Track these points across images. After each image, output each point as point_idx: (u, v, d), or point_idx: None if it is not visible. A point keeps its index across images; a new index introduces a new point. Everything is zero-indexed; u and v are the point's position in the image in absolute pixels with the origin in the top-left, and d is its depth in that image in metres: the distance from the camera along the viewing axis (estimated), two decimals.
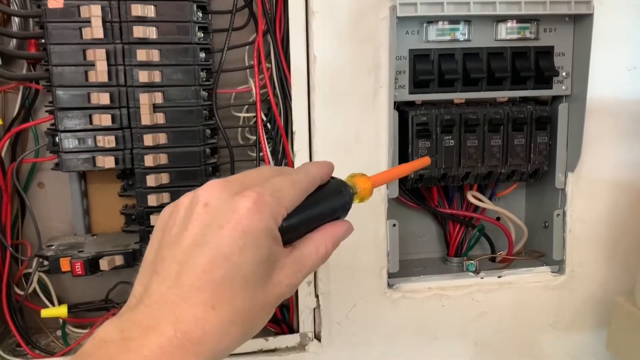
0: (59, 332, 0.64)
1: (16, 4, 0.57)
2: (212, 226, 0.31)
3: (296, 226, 0.35)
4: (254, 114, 0.62)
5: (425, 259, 0.68)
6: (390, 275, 0.60)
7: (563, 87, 0.59)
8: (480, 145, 0.59)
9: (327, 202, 0.37)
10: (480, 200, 0.64)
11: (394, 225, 0.59)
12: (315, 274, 0.58)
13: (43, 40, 0.53)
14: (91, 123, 0.54)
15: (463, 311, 0.61)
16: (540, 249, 0.64)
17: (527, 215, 0.68)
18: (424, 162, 0.47)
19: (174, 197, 0.57)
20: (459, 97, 0.58)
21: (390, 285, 0.60)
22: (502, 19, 0.57)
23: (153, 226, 0.55)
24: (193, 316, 0.30)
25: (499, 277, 0.62)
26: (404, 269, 0.62)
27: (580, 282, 0.62)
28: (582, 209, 0.61)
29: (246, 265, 0.31)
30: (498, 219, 0.66)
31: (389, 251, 0.59)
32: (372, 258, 0.59)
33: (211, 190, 0.33)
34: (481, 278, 0.62)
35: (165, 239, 0.33)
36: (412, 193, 0.64)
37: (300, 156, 0.56)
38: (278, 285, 0.34)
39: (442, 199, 0.65)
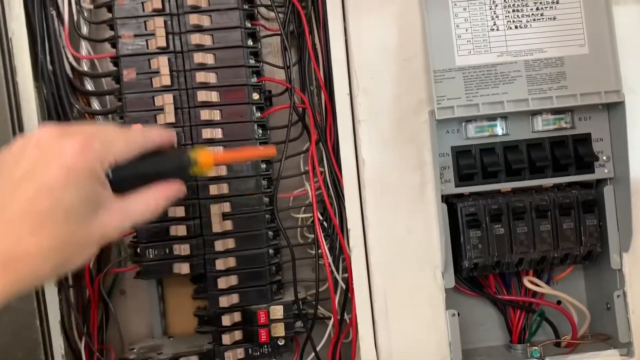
0: None
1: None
2: (41, 162, 0.36)
3: (126, 177, 0.39)
4: (311, 215, 0.67)
5: (488, 347, 0.67)
6: None
7: (605, 171, 0.61)
8: (530, 232, 0.61)
9: (162, 163, 0.42)
10: (537, 285, 0.64)
11: (454, 315, 0.61)
12: None
13: None
14: (168, 234, 0.60)
15: None
16: (605, 332, 0.63)
17: (588, 298, 0.67)
18: (269, 150, 0.52)
19: (243, 298, 0.61)
20: (503, 187, 0.61)
21: None
22: (537, 112, 0.61)
23: (225, 326, 0.60)
24: (15, 238, 0.34)
25: None
26: (467, 358, 0.62)
27: None
28: None
29: (68, 200, 0.35)
30: (559, 302, 0.66)
31: (450, 341, 0.60)
32: (434, 349, 0.60)
33: (44, 131, 0.37)
34: None
35: (1, 174, 0.37)
36: (469, 281, 0.66)
37: (356, 251, 0.60)
38: (102, 226, 0.38)
39: (500, 285, 0.66)
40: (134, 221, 0.41)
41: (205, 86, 0.59)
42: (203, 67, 0.59)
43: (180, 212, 0.59)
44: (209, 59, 0.58)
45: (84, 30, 0.65)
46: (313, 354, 0.64)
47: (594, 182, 0.63)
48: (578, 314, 0.64)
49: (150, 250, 0.60)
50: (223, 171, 0.60)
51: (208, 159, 0.44)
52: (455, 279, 0.62)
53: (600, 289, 0.65)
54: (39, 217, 0.35)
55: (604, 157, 0.61)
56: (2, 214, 0.35)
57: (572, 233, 0.61)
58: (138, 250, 0.61)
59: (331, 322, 0.65)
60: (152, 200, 0.41)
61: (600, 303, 0.64)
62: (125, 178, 0.40)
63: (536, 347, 0.62)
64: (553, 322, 0.65)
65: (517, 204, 0.61)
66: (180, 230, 0.59)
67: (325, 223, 0.66)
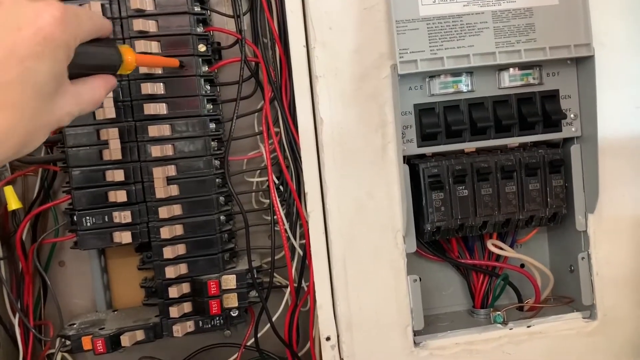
0: None
1: None
2: (7, 26, 0.30)
3: (85, 58, 0.36)
4: (266, 178, 0.63)
5: (450, 313, 0.66)
6: (416, 333, 0.58)
7: (573, 129, 0.59)
8: (494, 193, 0.59)
9: (108, 54, 0.39)
10: (501, 248, 0.63)
11: (415, 280, 0.58)
12: (338, 337, 0.57)
13: None
14: (107, 200, 0.55)
15: None
16: (568, 295, 0.62)
17: (551, 260, 0.66)
18: (173, 61, 0.51)
19: (192, 267, 0.57)
20: (467, 146, 0.58)
21: (416, 344, 0.58)
22: (504, 67, 0.57)
23: (172, 298, 0.56)
24: None
25: (529, 326, 0.60)
26: (430, 325, 0.60)
27: (614, 326, 0.59)
28: (607, 250, 0.59)
29: (41, 74, 0.31)
30: (522, 266, 0.64)
31: (412, 308, 0.58)
32: (396, 316, 0.57)
33: None
34: (510, 329, 0.59)
35: None
36: (431, 245, 0.63)
37: (314, 216, 0.56)
38: (59, 109, 0.33)
39: (463, 249, 0.64)
40: (82, 108, 0.37)
41: (145, 35, 0.53)
42: (142, 13, 0.53)
43: (119, 175, 0.54)
44: (147, 4, 0.52)
45: None
46: (269, 324, 0.61)
47: (561, 141, 0.61)
48: (541, 277, 0.63)
49: (88, 218, 0.55)
50: (167, 131, 0.54)
51: (132, 59, 0.42)
52: (417, 244, 0.59)
53: (564, 251, 0.63)
54: (5, 90, 0.30)
55: (572, 115, 0.59)
56: None
57: (538, 194, 0.59)
58: (75, 218, 0.55)
59: (288, 290, 0.62)
60: (97, 88, 0.38)
61: (564, 266, 0.63)
62: (84, 58, 0.36)
63: (499, 312, 0.61)
64: (516, 286, 0.64)
65: (481, 165, 0.58)
66: (120, 195, 0.54)
67: (281, 187, 0.62)
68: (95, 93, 0.37)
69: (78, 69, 0.36)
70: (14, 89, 0.30)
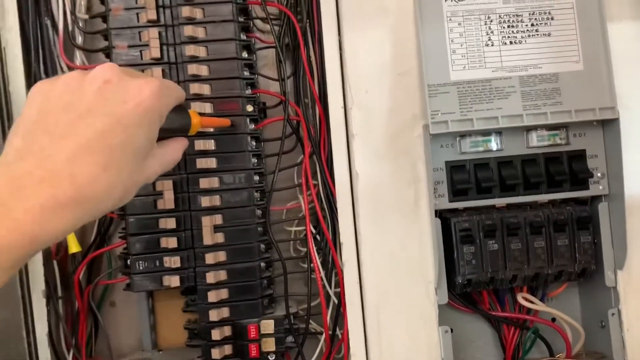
0: None
1: None
2: (115, 100, 0.35)
3: (169, 123, 0.41)
4: (303, 228, 0.66)
5: None
6: None
7: (600, 187, 0.61)
8: (524, 248, 0.60)
9: (183, 118, 0.45)
10: (532, 302, 0.64)
11: (447, 331, 0.60)
12: None
13: None
14: (159, 246, 0.59)
15: None
16: (599, 350, 0.63)
17: (582, 315, 0.67)
18: (226, 122, 0.56)
19: (233, 311, 0.60)
20: (497, 202, 0.61)
21: None
22: (532, 128, 0.60)
23: (215, 340, 0.59)
24: (88, 174, 0.33)
25: None
26: None
27: None
28: (637, 306, 0.60)
29: (139, 139, 0.35)
30: (553, 320, 0.65)
31: (443, 358, 0.59)
32: None
33: (112, 70, 0.36)
34: None
35: (53, 104, 0.35)
36: (462, 297, 0.65)
37: (348, 266, 0.59)
38: (149, 169, 0.38)
39: (494, 301, 0.66)
40: (165, 168, 0.43)
41: (199, 97, 0.58)
42: (197, 78, 0.59)
43: (171, 224, 0.58)
44: (203, 70, 0.58)
45: (79, 39, 0.64)
46: None
47: (589, 198, 0.63)
48: (572, 331, 0.64)
49: (141, 262, 0.59)
50: (215, 184, 0.59)
51: (198, 122, 0.48)
52: (449, 295, 0.61)
53: (594, 306, 0.64)
54: (110, 153, 0.34)
55: (599, 174, 0.61)
56: (70, 146, 0.33)
57: (567, 250, 0.61)
58: (128, 262, 0.60)
59: (323, 337, 0.64)
60: (176, 150, 0.44)
61: (595, 321, 0.64)
62: (164, 127, 0.41)
63: None
64: (547, 339, 0.65)
65: (511, 220, 0.60)
66: (171, 242, 0.59)
67: (317, 237, 0.66)
68: (175, 153, 0.44)
69: (163, 133, 0.41)
70: (118, 152, 0.35)
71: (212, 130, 0.58)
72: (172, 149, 0.43)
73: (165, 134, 0.43)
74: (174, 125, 0.43)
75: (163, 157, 0.42)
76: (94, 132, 0.34)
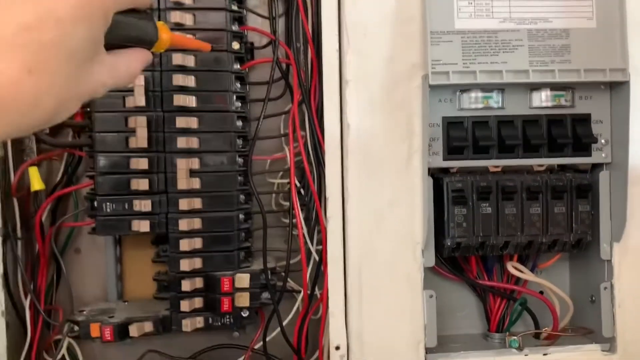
0: None
1: None
2: None
3: (122, 27, 0.34)
4: (287, 181, 0.62)
5: (464, 335, 0.64)
6: (428, 351, 0.57)
7: (603, 155, 0.58)
8: (518, 213, 0.57)
9: (145, 27, 0.37)
10: (521, 271, 0.61)
11: (432, 296, 0.57)
12: (348, 347, 0.55)
13: (88, 109, 0.56)
14: (129, 188, 0.55)
15: None
16: (587, 325, 0.60)
17: (572, 288, 0.64)
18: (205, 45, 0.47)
19: (207, 262, 0.57)
20: (494, 164, 0.58)
21: None
22: (536, 87, 0.57)
23: (185, 292, 0.55)
24: (9, 75, 0.27)
25: (545, 354, 0.58)
26: (442, 344, 0.59)
27: None
28: (631, 281, 0.57)
29: (77, 38, 0.29)
30: (541, 292, 0.62)
31: (426, 324, 0.56)
32: (408, 331, 0.56)
33: None
34: (525, 355, 0.58)
35: None
36: (449, 263, 0.62)
37: (333, 222, 0.56)
38: (94, 79, 0.32)
39: (481, 270, 0.63)
40: (117, 81, 0.35)
41: (181, 27, 0.53)
42: (180, 6, 0.54)
43: (143, 164, 0.54)
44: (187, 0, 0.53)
45: None
46: (278, 328, 0.60)
47: (590, 166, 0.59)
48: (561, 305, 0.61)
49: (108, 203, 0.55)
50: (194, 124, 0.55)
51: (167, 37, 0.40)
52: (435, 260, 0.58)
53: (586, 280, 0.62)
54: (39, 52, 0.28)
55: (603, 141, 0.58)
56: None
57: (563, 218, 0.58)
58: (95, 203, 0.55)
59: (300, 296, 0.61)
60: (133, 62, 0.36)
61: (585, 295, 0.61)
62: (119, 27, 0.34)
63: (515, 337, 0.59)
64: (534, 312, 0.62)
65: (507, 183, 0.57)
66: (142, 184, 0.54)
67: (302, 191, 0.62)
68: (131, 66, 0.36)
69: (114, 40, 0.35)
70: (48, 52, 0.28)
71: (192, 64, 0.54)
72: (127, 59, 0.35)
73: (119, 42, 0.35)
74: (133, 33, 0.36)
75: (114, 68, 0.34)
76: (17, 24, 0.28)
